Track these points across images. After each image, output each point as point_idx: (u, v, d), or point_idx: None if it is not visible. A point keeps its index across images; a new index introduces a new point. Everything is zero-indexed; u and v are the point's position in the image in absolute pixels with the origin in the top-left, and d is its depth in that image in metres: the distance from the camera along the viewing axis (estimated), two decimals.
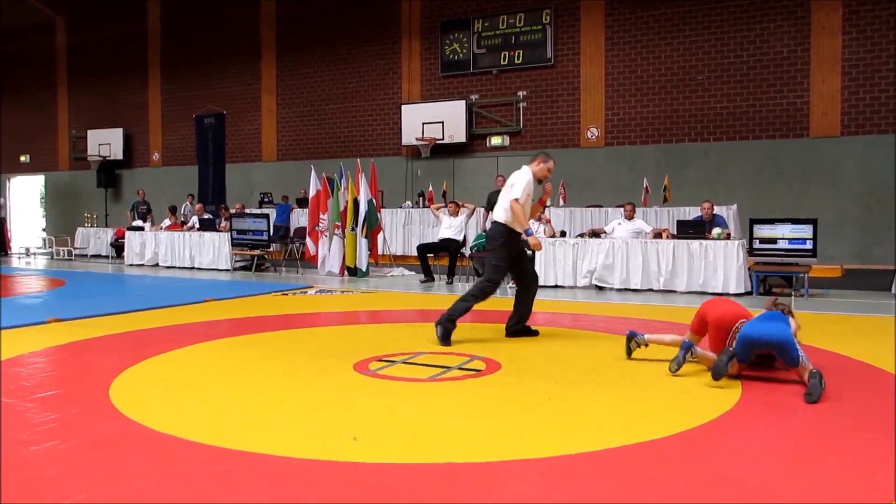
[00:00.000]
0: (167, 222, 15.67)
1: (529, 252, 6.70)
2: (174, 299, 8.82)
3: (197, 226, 14.50)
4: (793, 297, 8.93)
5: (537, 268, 10.29)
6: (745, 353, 4.53)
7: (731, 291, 9.03)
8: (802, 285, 9.20)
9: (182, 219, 16.35)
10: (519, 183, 6.14)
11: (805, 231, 9.30)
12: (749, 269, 9.38)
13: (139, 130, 22.08)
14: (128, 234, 15.18)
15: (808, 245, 9.23)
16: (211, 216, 15.01)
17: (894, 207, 12.83)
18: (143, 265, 14.54)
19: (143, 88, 21.84)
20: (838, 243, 13.03)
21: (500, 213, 6.20)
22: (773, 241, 9.42)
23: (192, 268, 13.76)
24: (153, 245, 14.58)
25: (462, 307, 6.11)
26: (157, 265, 14.40)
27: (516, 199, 6.07)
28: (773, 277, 9.71)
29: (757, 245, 9.50)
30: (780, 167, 14.08)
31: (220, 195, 19.32)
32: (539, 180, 6.33)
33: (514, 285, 8.68)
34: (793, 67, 14.01)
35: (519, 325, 6.32)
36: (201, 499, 2.79)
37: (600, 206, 13.60)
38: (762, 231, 9.52)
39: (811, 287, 9.29)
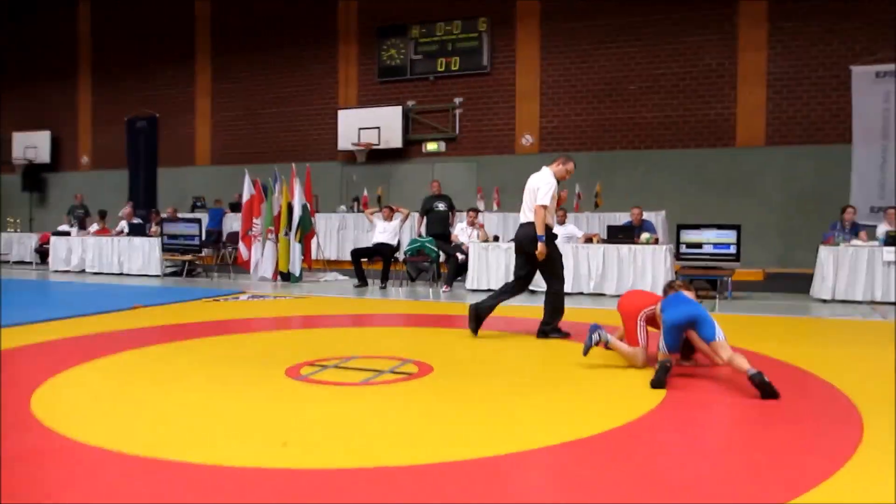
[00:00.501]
0: (95, 227, 15.22)
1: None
2: (101, 306, 8.58)
3: (126, 230, 14.14)
4: (717, 300, 9.24)
5: (472, 272, 10.40)
6: (675, 339, 4.73)
7: (658, 294, 9.26)
8: (726, 288, 9.53)
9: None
10: (544, 187, 6.36)
11: (729, 236, 9.65)
12: (676, 272, 9.66)
13: (67, 133, 21.40)
14: (53, 239, 14.68)
15: (732, 249, 9.58)
16: (141, 221, 14.66)
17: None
18: (68, 271, 14.08)
19: (73, 90, 21.18)
20: (761, 248, 13.51)
21: (530, 215, 6.38)
22: (699, 245, 9.74)
23: (121, 274, 13.41)
24: (80, 251, 14.16)
25: (551, 310, 6.45)
26: (83, 271, 13.97)
27: (543, 206, 6.29)
28: (699, 281, 10.02)
29: (683, 249, 9.81)
30: (707, 175, 14.53)
31: (152, 199, 18.87)
32: (559, 181, 6.50)
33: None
34: (721, 80, 14.49)
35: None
36: None
37: None
38: (689, 236, 9.84)
39: (734, 290, 9.63)
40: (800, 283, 9.97)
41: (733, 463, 3.28)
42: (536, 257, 6.35)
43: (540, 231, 6.29)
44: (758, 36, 14.15)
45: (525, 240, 6.42)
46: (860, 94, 13.29)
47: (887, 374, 5.01)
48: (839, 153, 13.49)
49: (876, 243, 9.18)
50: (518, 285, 6.64)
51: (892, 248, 8.76)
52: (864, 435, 3.55)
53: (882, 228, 9.62)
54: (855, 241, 9.42)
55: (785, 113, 14.06)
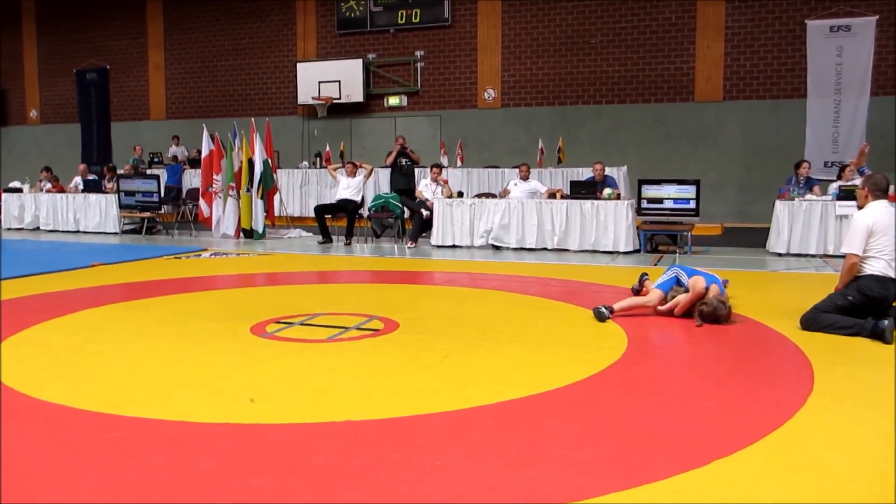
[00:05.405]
0: (48, 185, 14.81)
1: None
2: (59, 264, 8.42)
3: (81, 187, 13.80)
4: (677, 254, 9.41)
5: (436, 227, 10.41)
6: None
7: (620, 249, 9.41)
8: (686, 243, 9.69)
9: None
10: None
11: (688, 191, 9.77)
12: (637, 227, 9.79)
13: (14, 86, 20.64)
14: (4, 196, 14.29)
15: (692, 204, 9.71)
16: (97, 177, 14.31)
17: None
18: (22, 229, 13.76)
19: (17, 40, 20.36)
20: (719, 203, 13.74)
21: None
22: (660, 200, 9.85)
23: (77, 231, 13.14)
24: (33, 208, 13.82)
25: None
26: (37, 229, 13.65)
27: None
28: (660, 236, 10.17)
29: (645, 205, 9.92)
30: (667, 130, 14.65)
31: (107, 155, 18.39)
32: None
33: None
34: (680, 33, 14.51)
35: None
36: (91, 465, 2.74)
37: (497, 167, 13.81)
38: (649, 191, 9.94)
39: (694, 244, 9.80)
40: (757, 237, 10.17)
41: (688, 414, 3.39)
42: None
43: None
44: None
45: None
46: (814, 49, 13.45)
47: None
48: (795, 108, 13.69)
49: (829, 198, 9.38)
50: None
51: (845, 203, 8.94)
52: (815, 385, 3.69)
53: (835, 185, 9.83)
54: (809, 196, 9.62)
55: (742, 67, 14.17)
